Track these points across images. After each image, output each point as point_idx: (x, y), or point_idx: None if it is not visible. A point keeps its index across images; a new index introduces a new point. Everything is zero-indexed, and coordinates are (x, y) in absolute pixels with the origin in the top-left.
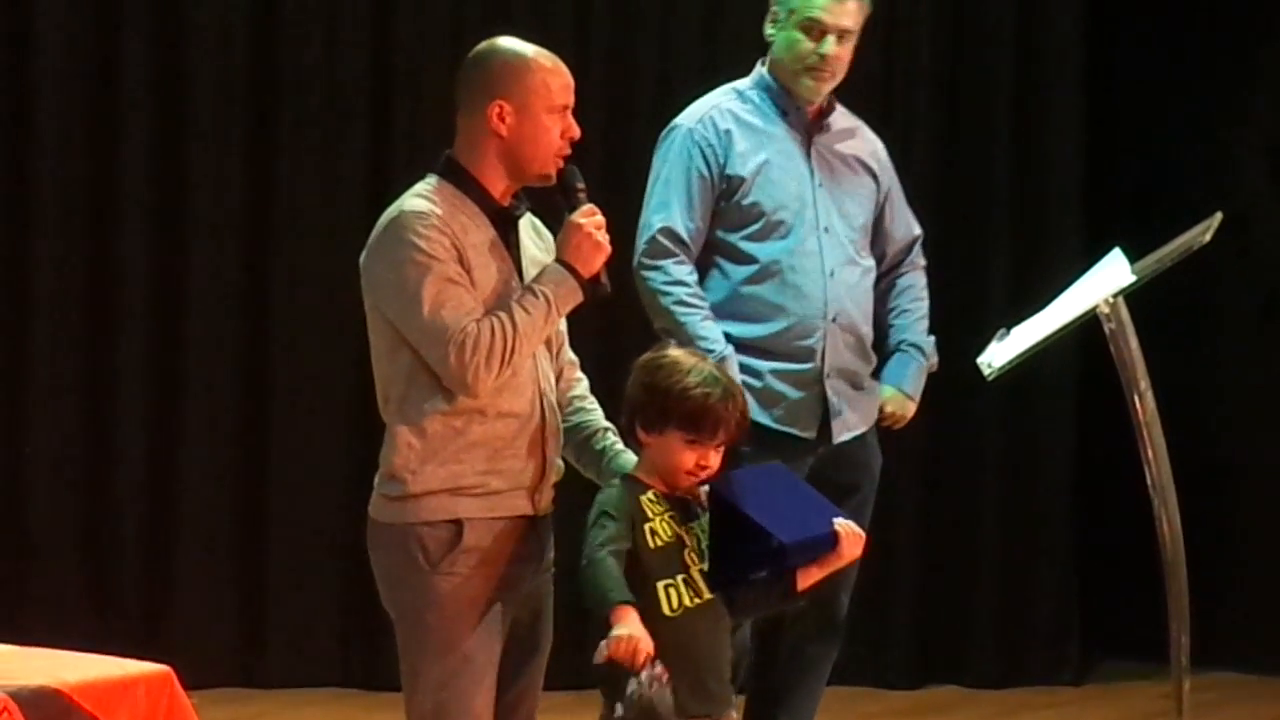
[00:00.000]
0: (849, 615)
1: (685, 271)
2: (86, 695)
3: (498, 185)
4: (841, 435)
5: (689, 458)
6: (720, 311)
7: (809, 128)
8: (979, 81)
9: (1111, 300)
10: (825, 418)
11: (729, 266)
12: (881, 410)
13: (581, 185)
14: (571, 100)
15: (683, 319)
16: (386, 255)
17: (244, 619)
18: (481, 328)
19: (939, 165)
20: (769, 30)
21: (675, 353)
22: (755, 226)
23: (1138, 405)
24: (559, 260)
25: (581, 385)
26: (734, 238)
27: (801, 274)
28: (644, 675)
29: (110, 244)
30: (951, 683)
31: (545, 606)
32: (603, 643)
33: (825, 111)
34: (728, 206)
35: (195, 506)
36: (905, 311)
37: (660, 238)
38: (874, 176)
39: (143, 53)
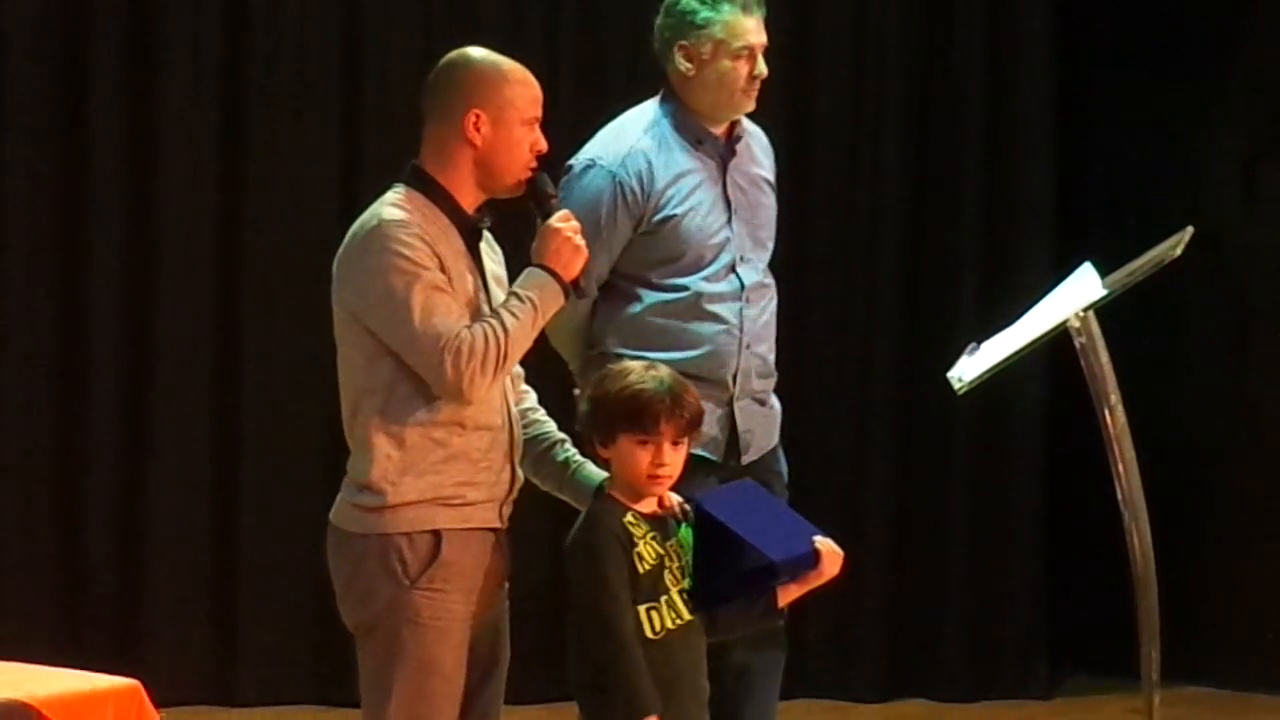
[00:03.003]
0: (817, 628)
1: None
2: (55, 709)
3: (467, 196)
4: (750, 456)
5: (643, 458)
6: (634, 339)
7: (723, 156)
8: (949, 96)
9: (1082, 314)
10: (732, 439)
11: (647, 294)
12: None
13: (553, 192)
14: (540, 114)
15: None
16: (369, 265)
17: (216, 634)
18: (475, 334)
19: (909, 179)
20: (684, 66)
21: (618, 364)
22: (675, 262)
23: (1108, 419)
24: (539, 265)
25: (531, 398)
26: (654, 271)
27: (719, 303)
28: None
29: (80, 258)
30: (920, 697)
31: (504, 622)
32: None
33: (733, 133)
34: (649, 243)
35: (167, 520)
36: None
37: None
38: (774, 191)
39: (114, 51)
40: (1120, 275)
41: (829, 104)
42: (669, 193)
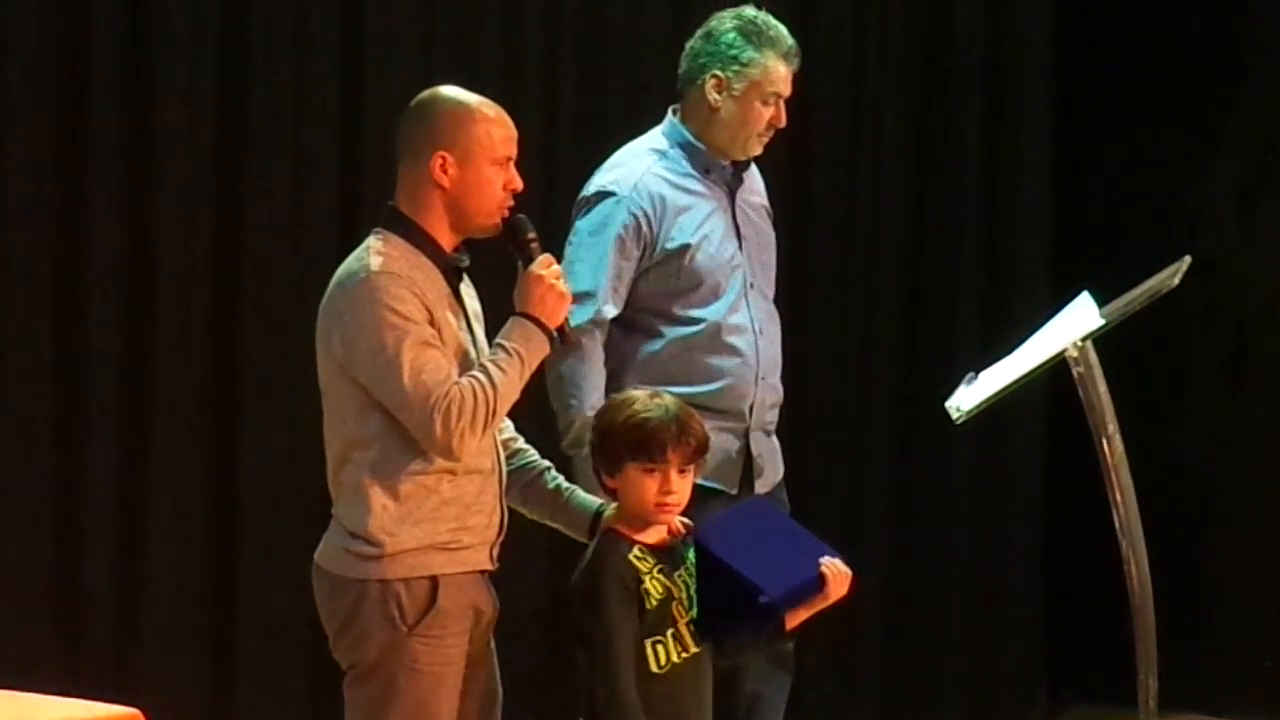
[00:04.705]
0: (817, 657)
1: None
2: None
3: (444, 237)
4: (762, 487)
5: (650, 486)
6: (654, 375)
7: (731, 185)
8: (948, 124)
9: (1080, 344)
10: (747, 470)
11: (667, 329)
12: None
13: (533, 235)
14: (514, 152)
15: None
16: (358, 318)
17: (214, 663)
18: (464, 392)
19: (908, 208)
20: (713, 97)
21: (621, 394)
22: (693, 292)
23: (1106, 448)
24: (523, 314)
25: (509, 427)
26: (671, 302)
27: (736, 334)
28: None
29: (76, 288)
30: None
31: (495, 659)
32: None
33: (741, 164)
34: (664, 273)
35: (165, 548)
36: None
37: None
38: (773, 221)
39: (110, 62)
40: (1118, 305)
41: (828, 132)
42: (681, 221)
